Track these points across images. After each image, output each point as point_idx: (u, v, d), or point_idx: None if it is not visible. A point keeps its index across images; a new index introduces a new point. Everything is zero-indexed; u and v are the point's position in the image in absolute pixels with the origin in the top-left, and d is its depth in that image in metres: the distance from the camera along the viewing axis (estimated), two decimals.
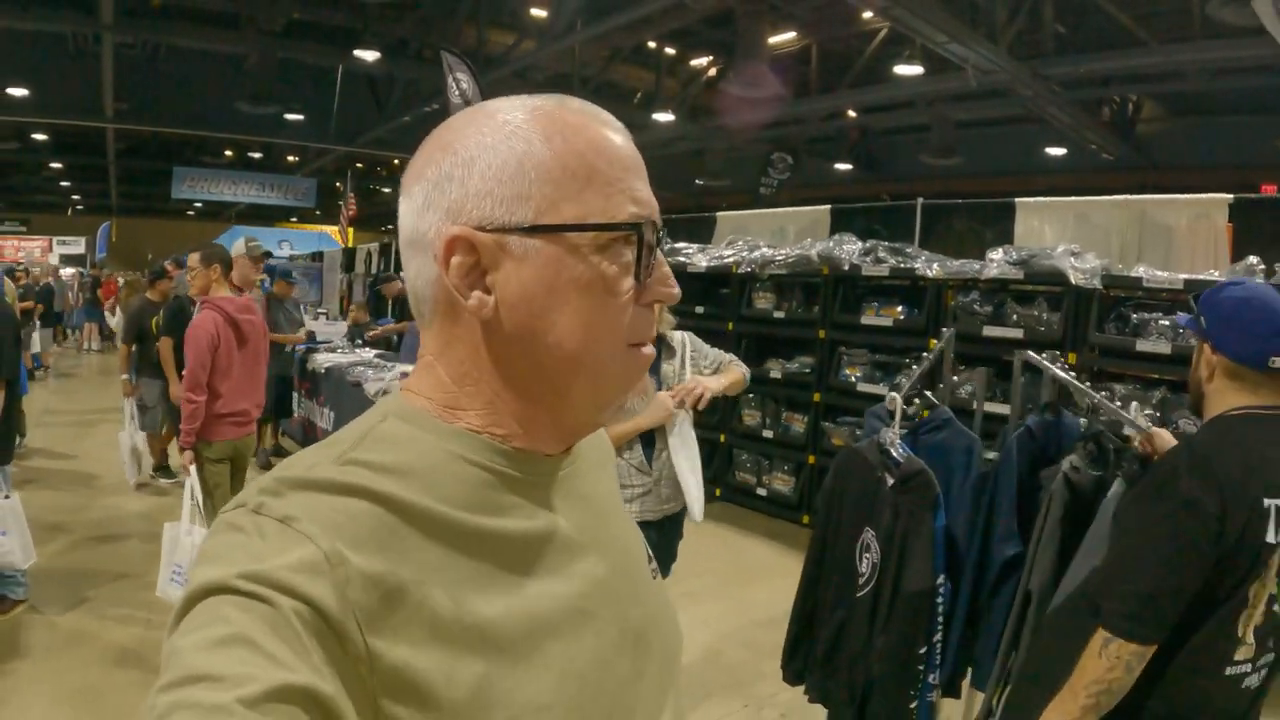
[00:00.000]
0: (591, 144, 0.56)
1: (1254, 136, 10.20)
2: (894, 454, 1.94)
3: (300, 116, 13.72)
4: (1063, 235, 4.87)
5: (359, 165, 19.59)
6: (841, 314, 5.14)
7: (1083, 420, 2.04)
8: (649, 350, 0.60)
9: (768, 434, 5.56)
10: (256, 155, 20.25)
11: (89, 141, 18.28)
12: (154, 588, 3.34)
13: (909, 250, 5.01)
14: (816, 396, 5.25)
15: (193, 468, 3.32)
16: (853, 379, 5.05)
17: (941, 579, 1.89)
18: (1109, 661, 1.33)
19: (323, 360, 6.30)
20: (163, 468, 5.85)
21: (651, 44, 12.58)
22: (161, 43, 12.27)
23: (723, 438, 5.83)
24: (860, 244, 5.16)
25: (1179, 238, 4.44)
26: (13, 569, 3.35)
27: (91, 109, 13.17)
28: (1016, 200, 5.29)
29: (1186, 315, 1.56)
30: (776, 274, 5.55)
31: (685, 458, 2.47)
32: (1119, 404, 1.76)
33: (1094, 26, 9.25)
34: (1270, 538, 1.34)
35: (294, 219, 27.08)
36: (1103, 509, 1.69)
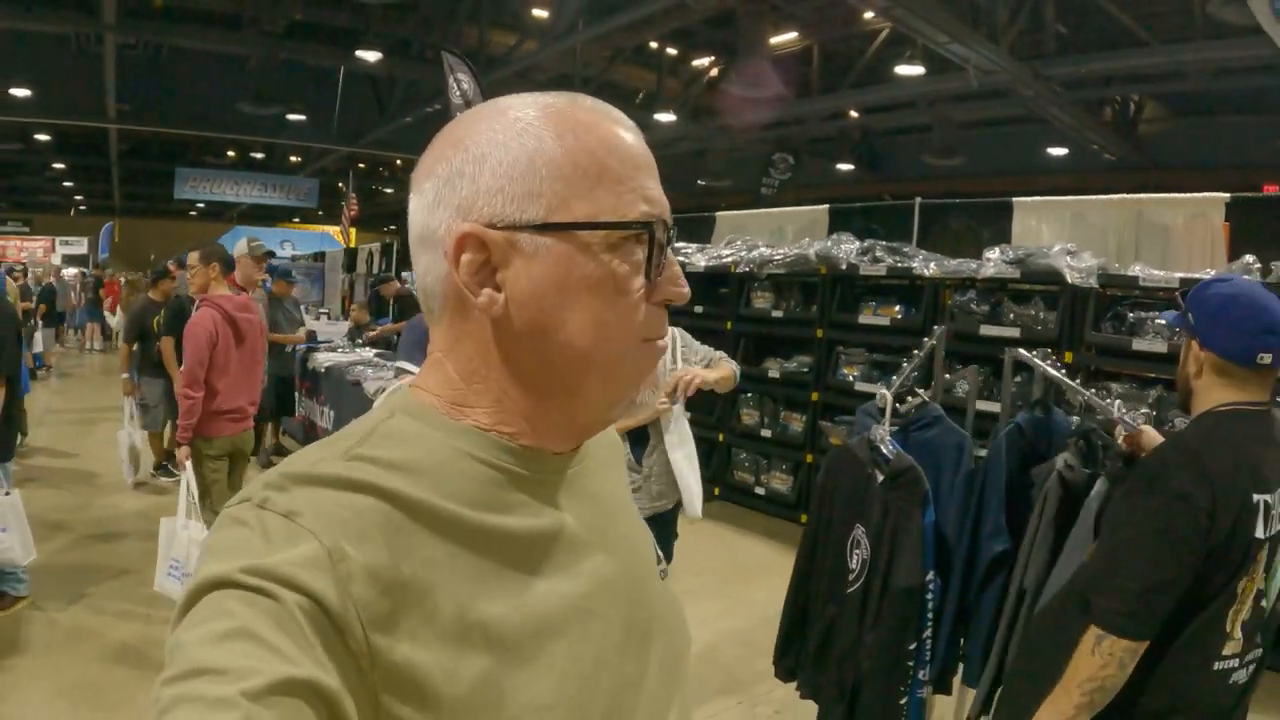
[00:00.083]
0: (603, 142, 0.55)
1: (1256, 137, 10.18)
2: (884, 450, 1.95)
3: (302, 117, 13.74)
4: (1060, 234, 4.87)
5: (361, 166, 19.63)
6: (839, 313, 5.14)
7: (1075, 418, 2.05)
8: (662, 343, 0.59)
9: (766, 433, 5.57)
10: (259, 156, 20.27)
11: (92, 142, 18.31)
12: (153, 584, 3.36)
13: (906, 250, 5.02)
14: (814, 396, 5.26)
15: (188, 463, 3.34)
16: (850, 378, 5.05)
17: (931, 575, 1.90)
18: (1102, 659, 1.33)
19: (323, 359, 6.33)
20: (163, 466, 5.87)
21: (653, 44, 12.58)
22: (164, 43, 12.28)
23: (721, 437, 5.83)
24: (858, 243, 5.17)
25: (1176, 237, 4.45)
26: (13, 565, 3.37)
27: (94, 109, 13.20)
28: (1014, 200, 5.30)
29: (1174, 312, 1.57)
30: (775, 273, 5.55)
31: (683, 455, 2.48)
32: (1110, 402, 1.76)
33: (1095, 26, 9.24)
34: (1259, 533, 1.35)
35: (296, 219, 27.12)
36: (1085, 508, 1.69)
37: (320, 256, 15.89)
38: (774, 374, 5.53)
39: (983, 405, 3.66)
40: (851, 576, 1.97)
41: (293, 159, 20.14)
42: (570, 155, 0.54)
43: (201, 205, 24.61)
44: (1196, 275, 3.69)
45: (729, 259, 5.84)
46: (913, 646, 1.88)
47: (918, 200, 5.83)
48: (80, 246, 25.81)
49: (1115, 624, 1.32)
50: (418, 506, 0.51)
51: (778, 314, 5.56)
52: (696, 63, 13.48)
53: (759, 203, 12.56)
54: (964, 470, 2.02)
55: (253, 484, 0.52)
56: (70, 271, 18.68)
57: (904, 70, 10.13)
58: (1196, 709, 1.40)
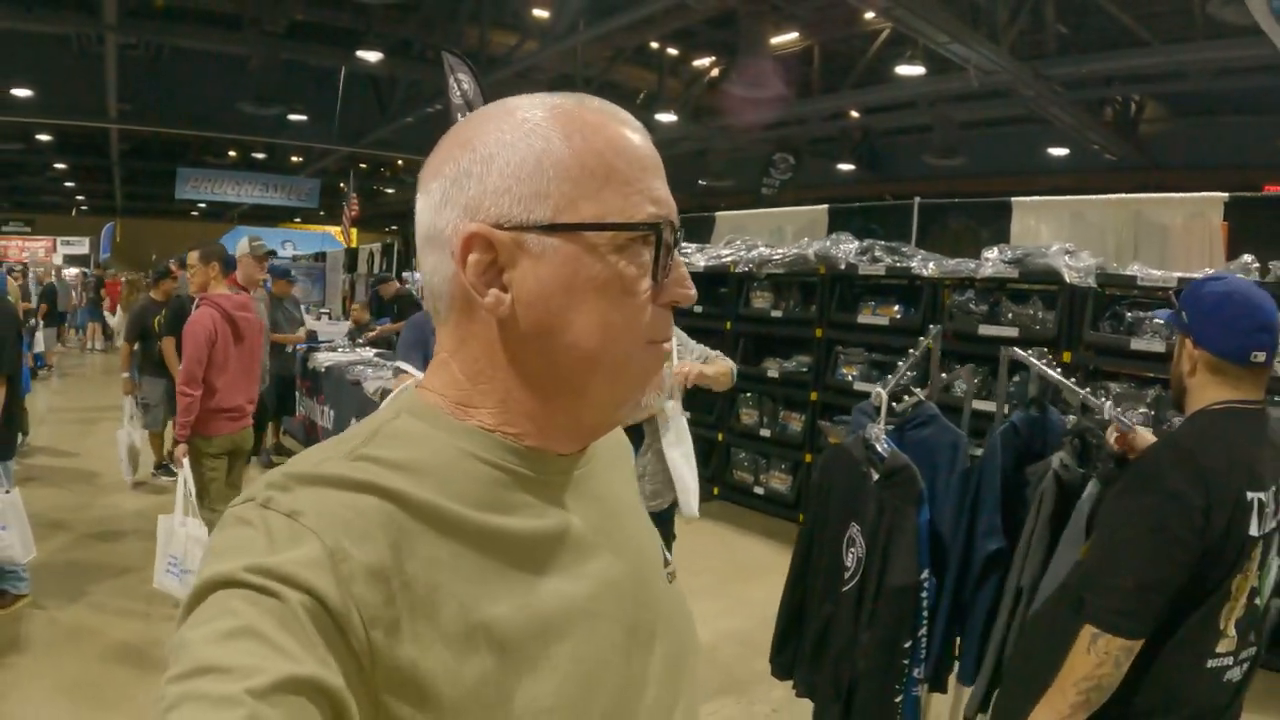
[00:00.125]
0: (610, 143, 0.55)
1: (1256, 136, 10.17)
2: (879, 449, 1.95)
3: (303, 117, 13.74)
4: (1059, 234, 4.88)
5: (362, 166, 19.62)
6: (838, 313, 5.15)
7: (1070, 417, 2.05)
8: (668, 345, 0.59)
9: (765, 433, 5.57)
10: (260, 156, 20.26)
11: (93, 142, 18.32)
12: (152, 581, 3.37)
13: (905, 249, 5.02)
14: (813, 395, 5.26)
15: (186, 460, 3.35)
16: (849, 378, 5.05)
17: (926, 574, 1.90)
18: (1097, 657, 1.33)
19: (323, 359, 6.35)
20: (164, 466, 5.88)
21: (654, 44, 12.58)
22: (165, 44, 12.28)
23: (720, 436, 5.83)
24: (857, 243, 5.17)
25: (1174, 236, 4.45)
26: (12, 563, 3.38)
27: (95, 110, 13.20)
28: (1013, 200, 5.31)
29: (1168, 311, 1.57)
30: (774, 273, 5.56)
31: (681, 454, 2.48)
32: (1103, 402, 1.77)
33: (1095, 27, 9.24)
34: (1253, 530, 1.35)
35: (297, 219, 27.13)
36: (1077, 509, 1.70)
37: (321, 256, 15.93)
38: (773, 374, 5.54)
39: (980, 405, 3.66)
40: (847, 575, 1.98)
41: (294, 159, 20.14)
42: (578, 156, 0.54)
43: (203, 205, 24.61)
44: (1195, 275, 3.69)
45: (728, 259, 5.85)
46: (908, 644, 1.89)
47: (917, 200, 5.84)
48: (81, 246, 25.83)
49: (1110, 622, 1.32)
50: (421, 507, 0.51)
51: (777, 314, 5.56)
52: (697, 63, 13.47)
53: (759, 203, 12.57)
54: (959, 469, 2.02)
55: (257, 483, 0.52)
56: (71, 271, 18.71)
57: (904, 70, 10.13)
58: (1191, 707, 1.40)
